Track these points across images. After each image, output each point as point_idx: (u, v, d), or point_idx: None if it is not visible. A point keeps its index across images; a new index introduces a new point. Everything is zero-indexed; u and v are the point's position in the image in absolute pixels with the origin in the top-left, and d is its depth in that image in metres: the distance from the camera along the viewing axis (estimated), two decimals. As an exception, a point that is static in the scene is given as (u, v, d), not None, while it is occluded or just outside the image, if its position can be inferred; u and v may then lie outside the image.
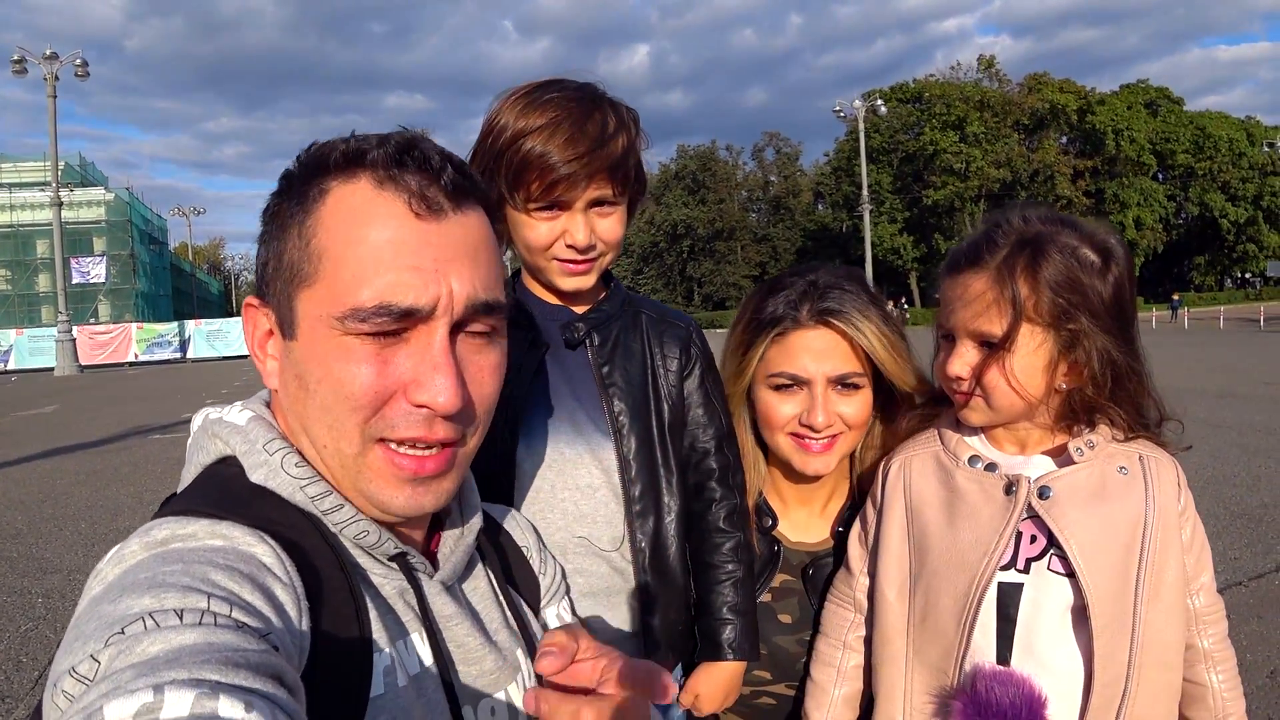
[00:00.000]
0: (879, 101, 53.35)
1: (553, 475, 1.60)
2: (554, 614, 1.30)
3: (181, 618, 0.69)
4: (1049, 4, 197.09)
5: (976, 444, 1.59)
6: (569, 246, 1.55)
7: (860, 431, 1.76)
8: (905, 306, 48.49)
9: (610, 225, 1.58)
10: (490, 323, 0.97)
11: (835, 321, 1.68)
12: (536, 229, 1.55)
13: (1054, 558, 1.45)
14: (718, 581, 1.69)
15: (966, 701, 1.44)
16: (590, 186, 1.52)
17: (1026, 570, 1.46)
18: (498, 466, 1.56)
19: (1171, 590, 1.45)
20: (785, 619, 1.83)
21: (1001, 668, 1.44)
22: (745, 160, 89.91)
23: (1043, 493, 1.46)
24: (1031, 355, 1.45)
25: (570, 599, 1.37)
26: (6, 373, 43.03)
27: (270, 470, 0.92)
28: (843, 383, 1.70)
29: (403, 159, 0.93)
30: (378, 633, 0.92)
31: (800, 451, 1.73)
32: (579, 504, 1.61)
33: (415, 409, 0.91)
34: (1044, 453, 1.55)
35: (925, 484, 1.60)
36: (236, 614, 0.73)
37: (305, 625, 0.82)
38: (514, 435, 1.58)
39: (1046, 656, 1.44)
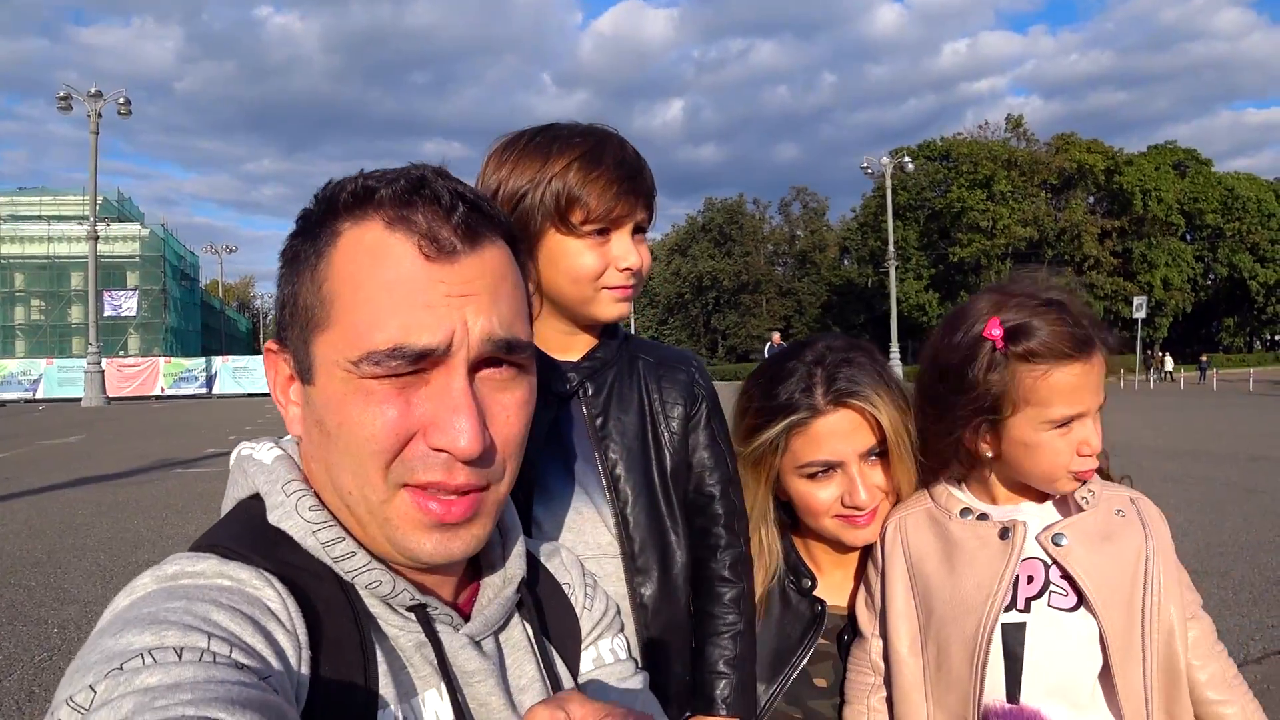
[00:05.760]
0: (906, 159, 53.45)
1: (571, 536, 1.55)
2: (607, 647, 1.20)
3: (181, 655, 0.69)
4: (1080, 67, 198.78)
5: (963, 497, 1.68)
6: (622, 270, 1.54)
7: (894, 494, 1.74)
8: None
9: (646, 253, 1.58)
10: (513, 360, 0.93)
11: (853, 402, 1.66)
12: (585, 256, 1.52)
13: (1053, 594, 1.53)
14: (716, 633, 1.63)
15: None
16: (638, 208, 1.54)
17: (1027, 609, 1.53)
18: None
19: (1179, 621, 1.54)
20: (820, 683, 1.80)
21: (1011, 705, 1.51)
22: (772, 214, 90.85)
23: (1057, 539, 1.55)
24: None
25: (625, 636, 1.27)
26: (35, 401, 43.55)
27: (285, 512, 0.91)
28: (870, 455, 1.69)
29: (412, 198, 0.89)
30: (385, 688, 0.88)
31: (849, 528, 1.72)
32: (601, 564, 1.55)
33: (434, 453, 0.87)
34: (1027, 500, 1.64)
35: (922, 539, 1.66)
36: (237, 655, 0.72)
37: (305, 675, 0.80)
38: (529, 496, 1.52)
39: (1058, 690, 1.51)
